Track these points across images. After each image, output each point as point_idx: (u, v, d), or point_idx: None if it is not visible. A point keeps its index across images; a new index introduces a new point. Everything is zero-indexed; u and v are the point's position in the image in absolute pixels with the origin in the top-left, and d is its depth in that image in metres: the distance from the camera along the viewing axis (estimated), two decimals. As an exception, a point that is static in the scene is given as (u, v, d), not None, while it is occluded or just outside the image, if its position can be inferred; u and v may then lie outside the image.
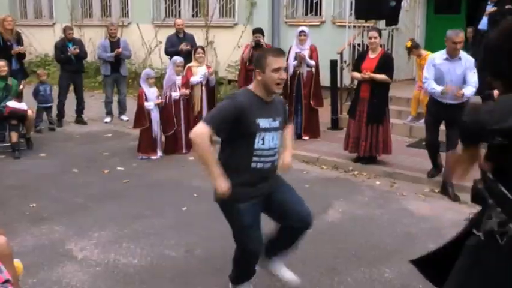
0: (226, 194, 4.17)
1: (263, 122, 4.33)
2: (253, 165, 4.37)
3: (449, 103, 7.68)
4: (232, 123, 4.21)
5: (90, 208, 7.17)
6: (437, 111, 7.95)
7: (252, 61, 10.58)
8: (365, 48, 10.46)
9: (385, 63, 8.63)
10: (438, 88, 7.56)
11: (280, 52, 4.62)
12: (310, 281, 5.28)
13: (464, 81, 7.66)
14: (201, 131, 4.12)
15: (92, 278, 5.30)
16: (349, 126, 9.13)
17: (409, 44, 10.93)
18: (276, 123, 4.46)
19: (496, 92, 9.91)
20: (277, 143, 4.49)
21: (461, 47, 7.65)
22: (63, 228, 6.43)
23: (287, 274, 4.88)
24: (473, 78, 7.61)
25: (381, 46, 9.08)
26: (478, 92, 10.48)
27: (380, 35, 8.84)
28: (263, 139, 4.34)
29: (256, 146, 4.33)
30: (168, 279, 5.32)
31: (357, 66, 8.97)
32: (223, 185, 4.15)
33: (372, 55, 8.72)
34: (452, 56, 7.63)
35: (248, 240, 4.58)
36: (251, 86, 4.52)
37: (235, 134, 4.31)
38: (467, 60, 7.69)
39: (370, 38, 8.74)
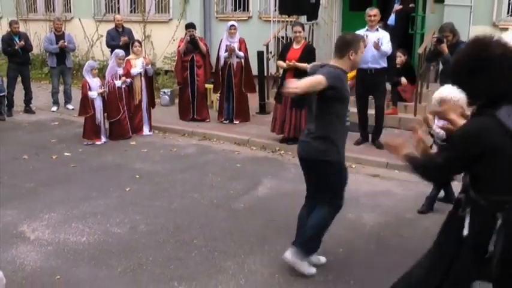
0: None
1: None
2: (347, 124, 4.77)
3: (372, 68, 8.68)
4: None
5: (40, 192, 7.02)
6: (362, 79, 8.83)
7: (186, 53, 10.57)
8: (289, 41, 10.53)
9: (308, 54, 8.78)
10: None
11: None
12: (244, 250, 5.35)
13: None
14: None
15: (44, 256, 5.22)
16: (275, 111, 9.25)
17: None
18: None
19: (403, 80, 10.21)
20: None
21: (376, 19, 8.84)
22: (15, 212, 6.28)
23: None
24: (387, 43, 8.69)
25: (304, 39, 9.22)
26: (388, 78, 10.78)
27: (303, 29, 9.02)
28: None
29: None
30: (115, 253, 5.28)
31: (282, 55, 9.15)
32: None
33: (296, 46, 8.89)
34: (371, 27, 8.81)
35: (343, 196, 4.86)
36: (339, 65, 4.58)
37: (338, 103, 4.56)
38: (383, 33, 8.87)
39: (295, 32, 8.93)
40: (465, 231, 3.17)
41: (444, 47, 7.86)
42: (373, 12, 8.88)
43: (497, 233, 3.07)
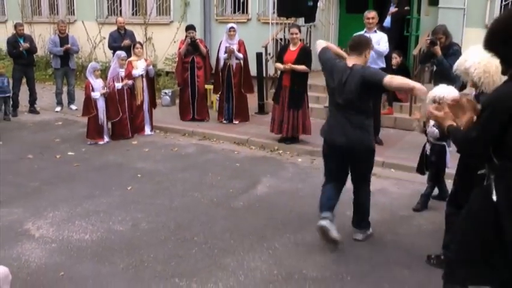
0: None
1: None
2: None
3: None
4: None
5: (44, 191, 7.03)
6: None
7: (186, 55, 10.57)
8: (286, 42, 10.54)
9: (304, 55, 8.79)
10: None
11: None
12: (243, 248, 5.36)
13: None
14: None
15: (48, 253, 5.23)
16: (273, 111, 9.25)
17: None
18: None
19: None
20: None
21: (374, 22, 8.94)
22: (20, 210, 6.30)
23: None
24: (384, 44, 8.79)
25: (301, 40, 9.22)
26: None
27: (300, 31, 9.01)
28: None
29: None
30: (117, 250, 5.30)
31: (279, 57, 9.17)
32: None
33: (292, 48, 8.89)
34: (369, 29, 8.89)
35: None
36: (359, 62, 5.18)
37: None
38: (381, 34, 8.97)
39: (291, 33, 8.93)
40: (494, 197, 3.23)
41: (437, 49, 7.88)
42: (371, 14, 8.95)
43: None
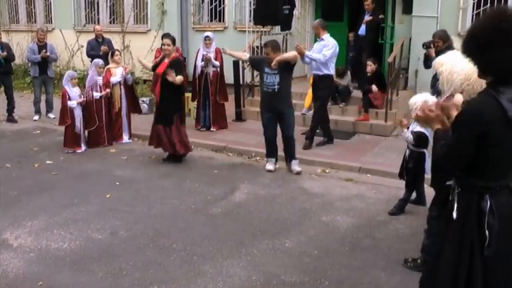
0: None
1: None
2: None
3: (314, 73, 9.36)
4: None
5: (23, 200, 6.94)
6: (313, 83, 9.61)
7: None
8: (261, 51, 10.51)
9: (175, 65, 8.40)
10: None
11: None
12: (222, 254, 5.34)
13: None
14: None
15: (27, 263, 5.16)
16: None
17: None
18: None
19: (374, 88, 10.30)
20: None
21: (316, 32, 9.31)
22: (-2, 219, 6.22)
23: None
24: (324, 51, 8.87)
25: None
26: (360, 86, 10.91)
27: (174, 43, 8.78)
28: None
29: None
30: (96, 259, 5.24)
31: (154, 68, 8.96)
32: None
33: (166, 60, 8.58)
34: (318, 38, 9.26)
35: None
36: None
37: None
38: (327, 41, 9.04)
39: (163, 44, 8.63)
40: (454, 214, 3.07)
41: (431, 52, 8.08)
42: (314, 25, 9.52)
43: (488, 215, 2.96)
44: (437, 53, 8.10)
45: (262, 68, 8.15)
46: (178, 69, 8.36)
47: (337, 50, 9.14)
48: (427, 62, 8.68)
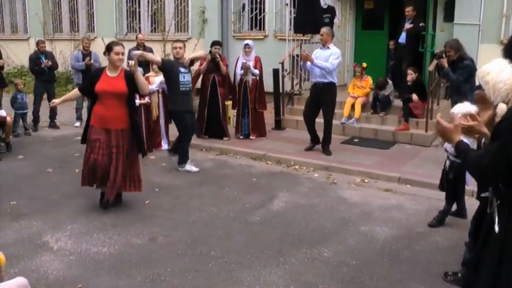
0: None
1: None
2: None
3: (317, 81, 9.28)
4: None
5: (63, 204, 7.05)
6: (312, 90, 9.55)
7: (206, 73, 10.48)
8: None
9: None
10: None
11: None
12: (260, 262, 5.32)
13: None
14: None
15: (67, 266, 5.23)
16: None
17: (364, 64, 11.51)
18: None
19: (415, 97, 10.18)
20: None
21: (323, 38, 9.37)
22: (40, 223, 6.31)
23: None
24: (332, 60, 9.09)
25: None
26: (400, 95, 10.82)
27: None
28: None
29: None
30: (134, 264, 5.28)
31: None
32: None
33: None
34: (323, 45, 9.40)
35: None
36: None
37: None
38: (333, 50, 9.27)
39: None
40: (496, 228, 2.93)
41: (443, 62, 7.95)
42: (320, 32, 9.53)
43: None
44: (449, 63, 7.99)
45: (176, 69, 8.46)
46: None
47: (341, 59, 9.57)
48: (439, 72, 8.58)
